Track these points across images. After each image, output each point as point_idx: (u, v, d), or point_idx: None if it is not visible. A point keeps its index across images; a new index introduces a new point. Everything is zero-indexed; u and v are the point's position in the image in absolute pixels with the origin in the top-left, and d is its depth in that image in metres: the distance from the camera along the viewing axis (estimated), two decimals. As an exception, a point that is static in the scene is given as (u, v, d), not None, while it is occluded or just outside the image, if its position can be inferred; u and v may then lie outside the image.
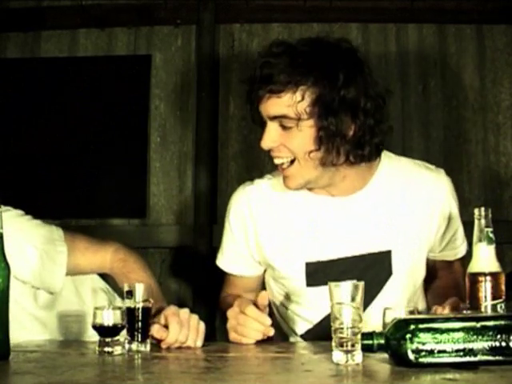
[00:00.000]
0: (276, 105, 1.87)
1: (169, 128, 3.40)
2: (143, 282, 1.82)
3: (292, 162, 1.92)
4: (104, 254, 2.11)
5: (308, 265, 2.02)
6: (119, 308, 1.70)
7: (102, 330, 1.66)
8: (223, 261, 2.22)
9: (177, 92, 3.41)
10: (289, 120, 1.87)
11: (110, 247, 2.13)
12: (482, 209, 1.70)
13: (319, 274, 2.00)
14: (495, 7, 3.28)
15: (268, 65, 1.87)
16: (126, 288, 1.74)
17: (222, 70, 3.41)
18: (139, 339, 1.70)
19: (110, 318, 1.66)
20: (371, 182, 2.03)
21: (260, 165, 3.30)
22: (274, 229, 2.07)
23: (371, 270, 2.00)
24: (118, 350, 1.65)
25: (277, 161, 1.95)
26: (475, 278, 1.69)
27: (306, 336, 2.10)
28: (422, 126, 3.31)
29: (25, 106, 3.36)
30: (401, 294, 2.06)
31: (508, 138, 3.32)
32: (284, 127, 1.88)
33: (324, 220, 2.03)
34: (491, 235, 1.70)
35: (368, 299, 1.87)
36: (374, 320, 1.80)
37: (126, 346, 1.69)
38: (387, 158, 2.08)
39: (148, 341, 1.71)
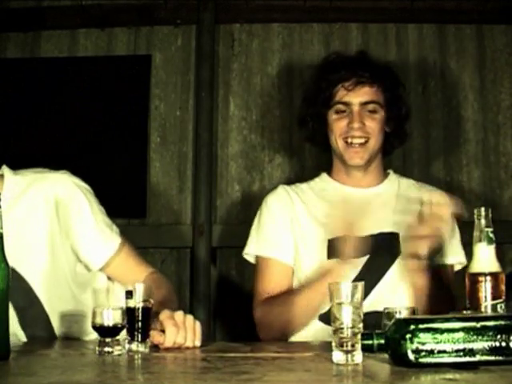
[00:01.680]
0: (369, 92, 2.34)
1: (168, 128, 3.39)
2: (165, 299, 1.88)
3: (366, 141, 2.31)
4: (143, 270, 2.16)
5: (330, 241, 2.21)
6: (119, 308, 1.70)
7: (101, 330, 1.66)
8: (263, 247, 2.31)
9: (177, 92, 3.40)
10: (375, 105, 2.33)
11: (150, 268, 2.18)
12: (482, 209, 1.71)
13: (338, 249, 2.17)
14: (495, 7, 3.28)
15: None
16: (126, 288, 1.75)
17: (222, 70, 3.40)
18: (139, 339, 1.70)
19: (110, 318, 1.66)
20: (386, 180, 2.43)
21: (260, 165, 3.31)
22: (308, 213, 2.32)
23: (381, 249, 2.23)
24: (117, 350, 1.65)
25: (357, 140, 2.31)
26: (475, 278, 1.69)
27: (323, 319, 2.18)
28: (421, 125, 3.31)
29: (25, 106, 3.36)
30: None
31: (508, 138, 3.32)
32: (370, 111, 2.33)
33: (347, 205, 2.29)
34: (491, 235, 1.70)
35: (379, 275, 2.21)
36: (384, 297, 2.13)
37: (126, 346, 1.69)
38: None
39: (148, 341, 1.71)
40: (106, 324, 1.66)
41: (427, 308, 2.07)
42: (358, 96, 2.32)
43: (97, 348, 1.66)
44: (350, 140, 2.30)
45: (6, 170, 2.10)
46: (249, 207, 3.21)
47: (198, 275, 3.23)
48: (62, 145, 3.31)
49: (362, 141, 2.30)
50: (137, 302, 1.72)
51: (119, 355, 1.64)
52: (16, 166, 2.13)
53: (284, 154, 3.32)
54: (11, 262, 1.61)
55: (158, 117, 3.40)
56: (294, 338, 2.21)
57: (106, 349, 1.65)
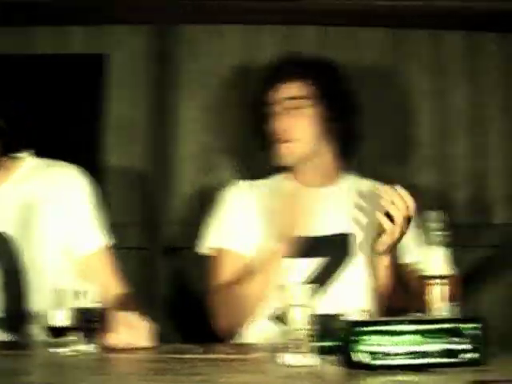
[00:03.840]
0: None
1: (123, 128, 3.37)
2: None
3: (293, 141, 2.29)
4: (115, 282, 2.19)
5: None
6: (71, 308, 1.69)
7: (52, 330, 1.65)
8: (220, 238, 2.31)
9: (131, 92, 3.38)
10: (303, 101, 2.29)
11: (122, 287, 2.20)
12: (433, 212, 1.73)
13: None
14: (451, 12, 3.31)
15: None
16: (77, 289, 1.74)
17: (177, 71, 3.38)
18: (90, 340, 1.69)
19: (61, 318, 1.66)
20: (342, 180, 2.40)
21: (214, 166, 3.31)
22: (262, 207, 2.29)
23: (333, 250, 2.26)
24: (68, 350, 1.64)
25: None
26: (426, 280, 1.71)
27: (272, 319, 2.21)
28: (375, 128, 3.33)
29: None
30: (358, 278, 2.24)
31: (460, 142, 3.37)
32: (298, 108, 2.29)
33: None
34: (441, 238, 1.72)
35: (331, 277, 2.23)
36: (336, 299, 2.16)
37: (77, 347, 1.68)
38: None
39: (98, 342, 1.70)
40: (56, 324, 1.65)
41: (384, 308, 2.10)
42: (281, 93, 2.31)
43: (47, 349, 1.65)
44: (277, 141, 2.31)
45: (27, 153, 2.23)
46: (202, 208, 3.20)
47: (152, 275, 3.22)
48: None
49: (283, 140, 2.29)
50: (88, 303, 1.71)
51: (71, 356, 1.63)
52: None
53: (238, 155, 3.32)
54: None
55: (113, 117, 3.37)
56: (246, 339, 2.22)
57: (57, 349, 1.64)
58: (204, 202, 3.19)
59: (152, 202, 3.31)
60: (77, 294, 1.72)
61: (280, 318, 1.92)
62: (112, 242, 2.24)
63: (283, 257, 2.16)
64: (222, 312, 2.23)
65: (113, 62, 3.39)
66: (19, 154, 2.23)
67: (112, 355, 1.67)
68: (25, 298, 2.12)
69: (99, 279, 2.10)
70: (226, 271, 2.27)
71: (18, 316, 2.10)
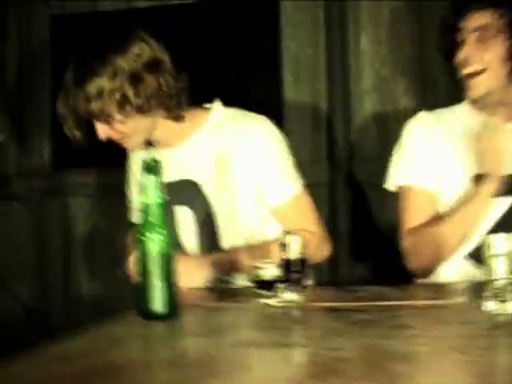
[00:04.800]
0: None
1: (301, 66, 3.41)
2: None
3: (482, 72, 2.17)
4: (309, 226, 2.25)
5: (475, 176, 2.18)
6: (277, 260, 1.77)
7: (260, 283, 1.74)
8: (405, 176, 2.28)
9: (307, 30, 3.40)
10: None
11: (317, 230, 2.27)
12: None
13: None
14: None
15: None
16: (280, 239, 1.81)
17: (351, 6, 3.37)
18: (295, 290, 1.77)
19: (268, 271, 1.74)
20: None
21: (394, 99, 3.29)
22: (451, 142, 2.25)
23: None
24: (276, 302, 1.72)
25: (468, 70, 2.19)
26: None
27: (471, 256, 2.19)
28: None
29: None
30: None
31: None
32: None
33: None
34: None
35: None
36: None
37: (284, 297, 1.75)
38: None
39: (304, 292, 1.78)
40: (263, 278, 1.73)
41: None
42: (471, 22, 2.19)
43: (255, 300, 1.74)
44: (465, 72, 2.20)
45: (217, 102, 2.34)
46: (385, 141, 3.21)
47: (336, 212, 3.28)
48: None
49: (472, 70, 2.17)
50: (291, 253, 1.79)
51: (278, 307, 1.70)
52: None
53: (417, 86, 3.28)
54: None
55: (291, 55, 3.41)
56: (442, 278, 2.22)
57: (265, 301, 1.73)
58: (386, 136, 3.23)
59: (333, 137, 3.34)
60: (281, 245, 1.80)
61: (476, 254, 1.99)
62: (303, 186, 2.28)
63: (489, 196, 2.10)
64: (417, 253, 2.20)
65: (287, 2, 3.42)
66: (208, 105, 2.32)
67: (315, 305, 1.74)
68: (218, 247, 2.24)
69: (296, 225, 2.20)
70: (418, 210, 2.24)
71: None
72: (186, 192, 2.26)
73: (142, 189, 1.63)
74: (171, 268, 1.62)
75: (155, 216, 1.62)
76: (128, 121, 2.12)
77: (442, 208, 2.23)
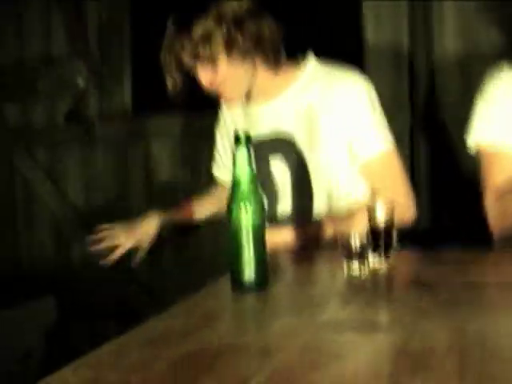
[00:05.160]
0: None
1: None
2: None
3: None
4: (395, 189, 2.24)
5: None
6: (365, 227, 1.79)
7: (346, 252, 1.76)
8: (489, 134, 2.20)
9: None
10: None
11: (404, 196, 2.25)
12: None
13: None
14: None
15: None
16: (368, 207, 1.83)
17: None
18: (380, 259, 1.78)
19: (354, 240, 1.75)
20: None
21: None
22: None
23: None
24: (362, 270, 1.75)
25: None
26: None
27: None
28: None
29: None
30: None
31: None
32: None
33: None
34: None
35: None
36: None
37: (372, 264, 1.77)
38: None
39: (390, 259, 1.79)
40: (353, 245, 1.75)
41: None
42: None
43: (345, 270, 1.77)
44: None
45: (311, 56, 2.34)
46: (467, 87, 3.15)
47: (417, 156, 3.25)
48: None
49: None
50: (378, 221, 1.80)
51: (365, 275, 1.73)
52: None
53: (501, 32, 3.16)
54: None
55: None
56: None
57: (351, 270, 1.75)
58: (466, 79, 3.16)
59: (414, 79, 3.29)
60: (368, 213, 1.82)
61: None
62: (393, 146, 2.26)
63: None
64: (502, 219, 2.14)
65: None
66: (301, 59, 2.34)
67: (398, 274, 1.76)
68: (312, 201, 2.27)
69: (383, 184, 2.23)
70: (503, 173, 2.16)
71: (306, 217, 2.28)
72: (280, 148, 2.29)
73: (233, 161, 1.67)
74: (262, 239, 1.66)
75: (246, 188, 1.65)
76: (233, 65, 2.17)
77: None
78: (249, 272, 1.64)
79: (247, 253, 1.64)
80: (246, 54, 2.16)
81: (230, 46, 2.13)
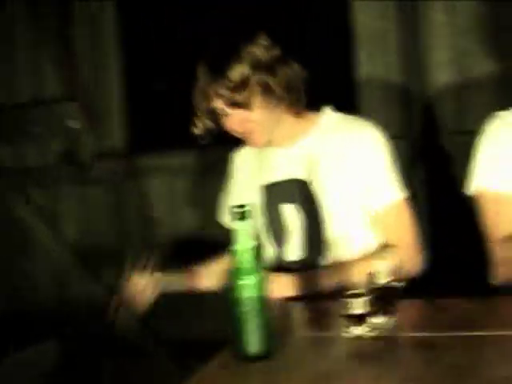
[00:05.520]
0: None
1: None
2: None
3: None
4: (404, 238, 2.22)
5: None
6: (369, 288, 1.75)
7: (351, 317, 1.73)
8: (487, 179, 2.16)
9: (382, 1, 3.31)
10: None
11: (411, 246, 2.23)
12: None
13: None
14: None
15: None
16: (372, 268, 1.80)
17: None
18: (383, 317, 1.73)
19: (360, 305, 1.72)
20: None
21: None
22: None
23: None
24: (367, 330, 1.71)
25: None
26: None
27: None
28: None
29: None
30: None
31: None
32: None
33: None
34: None
35: None
36: None
37: (376, 325, 1.73)
38: None
39: (393, 319, 1.76)
40: (355, 312, 1.72)
41: None
42: None
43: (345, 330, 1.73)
44: None
45: (328, 108, 2.33)
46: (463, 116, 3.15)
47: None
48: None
49: None
50: (382, 281, 1.77)
51: (370, 336, 1.69)
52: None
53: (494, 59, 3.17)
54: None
55: (363, 28, 3.34)
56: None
57: (354, 331, 1.72)
58: (465, 110, 3.15)
59: (409, 112, 3.29)
60: (377, 273, 1.78)
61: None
62: (406, 196, 2.24)
63: None
64: (509, 265, 2.08)
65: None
66: (319, 108, 2.33)
67: (406, 334, 1.73)
68: (320, 248, 2.26)
69: (394, 234, 2.22)
70: (505, 219, 2.12)
71: (313, 264, 2.25)
72: (294, 190, 2.28)
73: (234, 236, 1.65)
74: (265, 310, 1.64)
75: (247, 261, 1.64)
76: (266, 110, 2.17)
77: None
78: (253, 343, 1.63)
79: (250, 325, 1.62)
80: (279, 100, 2.17)
81: (266, 92, 2.13)
